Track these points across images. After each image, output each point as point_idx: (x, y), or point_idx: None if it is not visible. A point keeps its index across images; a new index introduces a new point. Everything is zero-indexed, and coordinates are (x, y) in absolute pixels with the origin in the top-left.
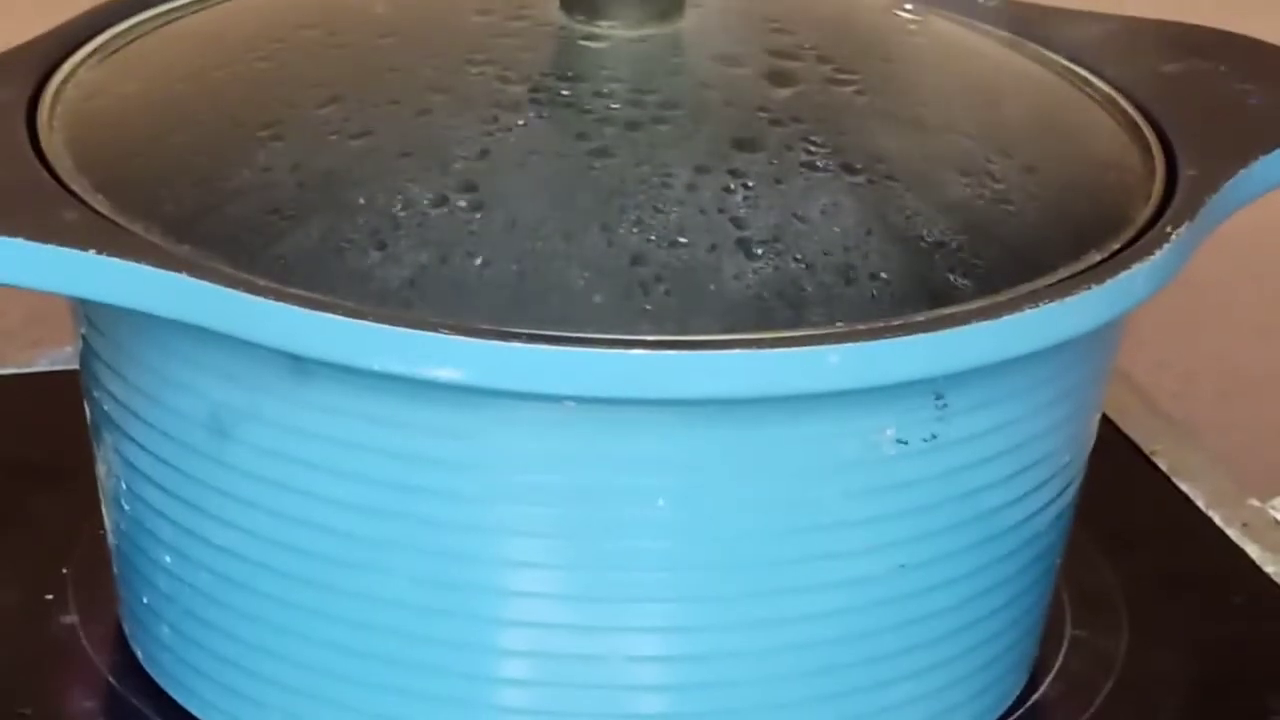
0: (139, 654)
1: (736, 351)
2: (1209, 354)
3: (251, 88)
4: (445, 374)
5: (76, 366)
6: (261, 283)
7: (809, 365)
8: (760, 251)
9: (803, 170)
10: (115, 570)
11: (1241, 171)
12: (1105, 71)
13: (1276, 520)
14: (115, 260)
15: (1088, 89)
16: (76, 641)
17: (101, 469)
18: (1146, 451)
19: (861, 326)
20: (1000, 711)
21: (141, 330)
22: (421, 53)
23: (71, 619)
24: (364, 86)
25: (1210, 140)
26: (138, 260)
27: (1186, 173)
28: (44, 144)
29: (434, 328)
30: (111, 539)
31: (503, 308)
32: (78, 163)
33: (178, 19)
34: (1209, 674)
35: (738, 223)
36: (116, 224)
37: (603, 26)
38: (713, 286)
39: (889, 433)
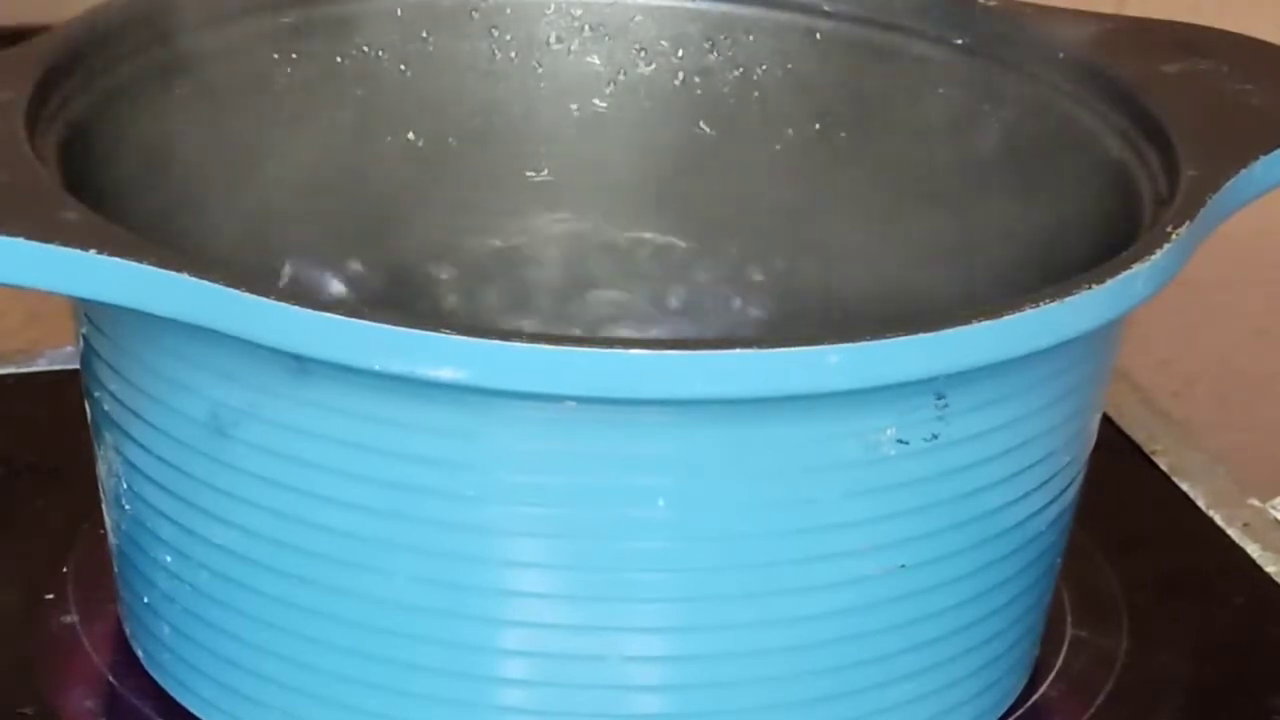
0: (139, 653)
1: (736, 351)
2: (1209, 354)
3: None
4: (445, 374)
5: (76, 366)
6: (261, 283)
7: (809, 365)
8: None
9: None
10: (115, 570)
11: (1242, 171)
12: (1105, 71)
13: (1276, 520)
14: (115, 260)
15: (1088, 89)
16: (76, 641)
17: (102, 469)
18: (1147, 451)
19: (861, 326)
20: (1001, 711)
21: (141, 330)
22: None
23: (71, 619)
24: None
25: (1210, 140)
26: (138, 260)
27: (1187, 173)
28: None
29: (434, 328)
30: (112, 539)
31: None
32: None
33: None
34: (1209, 674)
35: None
36: (116, 224)
37: None
38: None
39: (889, 433)
